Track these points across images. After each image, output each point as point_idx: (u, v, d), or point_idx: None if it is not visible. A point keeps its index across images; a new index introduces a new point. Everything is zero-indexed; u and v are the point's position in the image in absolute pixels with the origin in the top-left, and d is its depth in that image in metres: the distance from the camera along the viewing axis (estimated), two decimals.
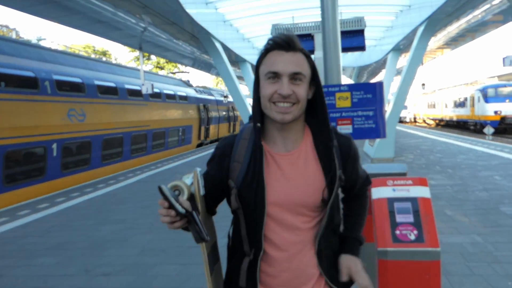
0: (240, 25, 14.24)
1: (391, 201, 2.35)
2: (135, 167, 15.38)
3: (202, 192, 1.45)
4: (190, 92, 23.94)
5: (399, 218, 2.29)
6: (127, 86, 16.19)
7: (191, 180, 1.43)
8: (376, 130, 2.54)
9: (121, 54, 64.65)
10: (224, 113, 30.97)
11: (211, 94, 28.74)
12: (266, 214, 1.46)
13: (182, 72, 38.44)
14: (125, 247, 5.63)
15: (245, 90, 19.05)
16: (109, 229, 6.64)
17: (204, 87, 31.30)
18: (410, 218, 2.28)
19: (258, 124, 1.47)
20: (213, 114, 27.79)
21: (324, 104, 1.51)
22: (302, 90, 1.43)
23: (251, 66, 17.16)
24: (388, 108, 13.44)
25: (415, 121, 52.83)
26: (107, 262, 5.05)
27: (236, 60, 16.43)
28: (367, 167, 2.96)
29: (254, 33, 15.40)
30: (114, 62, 22.52)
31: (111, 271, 4.74)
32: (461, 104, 35.34)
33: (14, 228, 7.11)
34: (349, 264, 1.58)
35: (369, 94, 2.53)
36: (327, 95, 2.54)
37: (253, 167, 1.46)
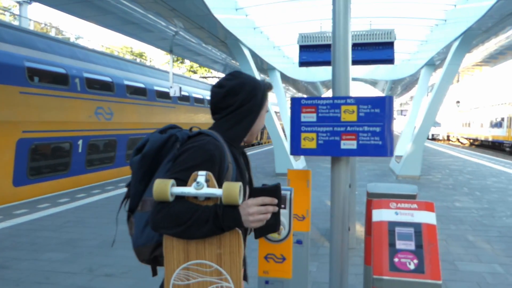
0: (270, 33, 14.17)
1: (392, 225, 2.18)
2: None
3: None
4: None
5: (399, 245, 2.12)
6: (156, 88, 16.38)
7: (205, 182, 1.43)
8: (383, 148, 2.37)
9: (156, 56, 65.85)
10: None
11: None
12: None
13: (214, 77, 38.74)
14: (132, 249, 5.58)
15: (273, 98, 18.94)
16: (122, 229, 6.61)
17: None
18: (411, 246, 2.11)
19: (244, 139, 1.81)
20: None
21: None
22: None
23: (280, 74, 17.06)
24: (417, 124, 13.04)
25: (448, 139, 51.44)
26: (112, 262, 5.01)
27: (265, 68, 16.37)
28: (374, 186, 2.79)
29: (284, 42, 15.30)
30: (148, 64, 22.82)
31: (114, 272, 4.69)
32: (497, 125, 34.18)
33: (31, 221, 7.21)
34: None
35: (377, 109, 2.37)
36: (332, 108, 2.40)
37: (238, 167, 1.68)
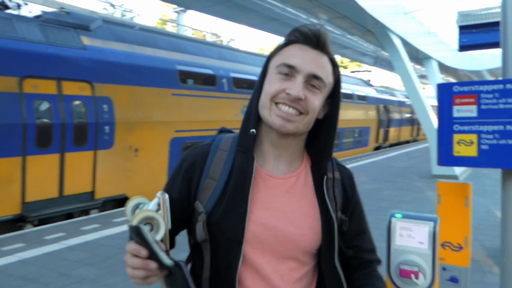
0: (424, 17, 12.73)
1: None
2: None
3: (169, 225, 1.06)
4: (370, 92, 22.91)
5: None
6: None
7: (155, 208, 1.05)
8: None
9: None
10: (407, 115, 28.92)
11: (393, 95, 27.12)
12: (242, 253, 1.10)
13: (366, 71, 37.36)
14: None
15: (431, 91, 17.16)
16: None
17: (387, 87, 29.69)
18: None
19: (253, 131, 1.15)
20: (395, 116, 26.17)
21: (335, 128, 1.21)
22: (317, 101, 1.13)
23: (437, 63, 15.32)
24: None
25: None
26: None
27: (420, 57, 14.85)
28: None
29: (441, 26, 13.63)
30: None
31: None
32: None
33: None
34: None
35: None
36: (502, 96, 1.61)
37: (234, 187, 1.12)
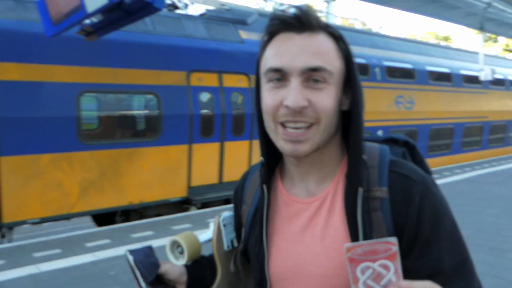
0: None
1: None
2: (464, 162, 13.86)
3: (226, 246, 1.12)
4: None
5: None
6: (462, 72, 14.67)
7: (212, 232, 1.14)
8: None
9: (463, 38, 60.62)
10: None
11: None
12: None
13: None
14: None
15: None
16: None
17: None
18: None
19: (262, 159, 0.99)
20: None
21: (358, 120, 0.90)
22: (327, 98, 0.86)
23: None
24: None
25: None
26: None
27: None
28: None
29: None
30: (453, 46, 20.83)
31: None
32: None
33: None
34: None
35: None
36: None
37: (260, 214, 0.99)
